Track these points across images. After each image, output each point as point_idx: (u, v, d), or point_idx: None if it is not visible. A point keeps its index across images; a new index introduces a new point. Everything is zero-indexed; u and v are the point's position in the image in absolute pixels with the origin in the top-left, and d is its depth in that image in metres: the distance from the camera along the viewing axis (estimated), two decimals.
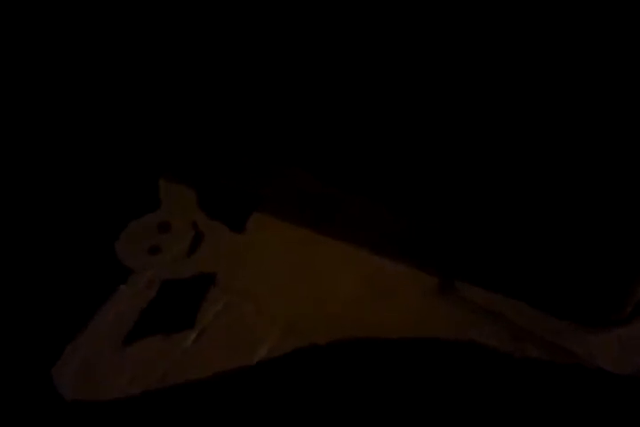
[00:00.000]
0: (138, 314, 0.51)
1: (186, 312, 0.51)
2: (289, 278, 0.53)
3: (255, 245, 0.55)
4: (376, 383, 0.47)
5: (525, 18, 0.50)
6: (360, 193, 0.56)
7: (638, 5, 0.45)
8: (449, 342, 0.48)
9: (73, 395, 0.47)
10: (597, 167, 0.47)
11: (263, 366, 0.48)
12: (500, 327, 0.49)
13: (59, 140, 0.61)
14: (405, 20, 0.51)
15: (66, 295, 0.52)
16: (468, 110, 0.50)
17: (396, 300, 0.50)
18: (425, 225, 0.53)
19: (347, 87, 0.54)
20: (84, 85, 0.59)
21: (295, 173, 0.58)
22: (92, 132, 0.61)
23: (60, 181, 0.60)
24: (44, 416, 0.46)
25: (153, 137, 0.61)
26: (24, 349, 0.49)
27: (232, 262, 0.53)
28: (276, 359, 0.48)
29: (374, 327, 0.49)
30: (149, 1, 0.56)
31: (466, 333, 0.48)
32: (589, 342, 0.47)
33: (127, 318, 0.51)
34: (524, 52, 0.48)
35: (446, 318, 0.49)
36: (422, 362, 0.48)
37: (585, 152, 0.47)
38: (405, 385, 0.47)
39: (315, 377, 0.47)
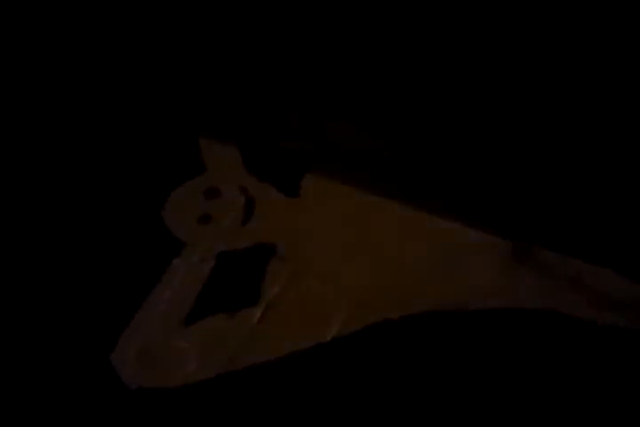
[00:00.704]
0: (196, 291, 0.48)
1: (247, 286, 0.48)
2: (352, 247, 0.49)
3: (312, 211, 0.51)
4: (456, 357, 0.45)
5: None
6: (412, 147, 0.52)
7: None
8: (529, 312, 0.46)
9: (137, 383, 0.44)
10: None
11: (336, 344, 0.45)
12: (583, 295, 0.46)
13: (93, 99, 0.56)
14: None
15: (115, 273, 0.49)
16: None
17: (470, 268, 0.47)
18: (490, 182, 0.50)
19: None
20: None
21: (343, 128, 0.54)
22: (122, 85, 0.56)
23: (92, 144, 0.55)
24: (111, 405, 0.44)
25: (188, 90, 0.56)
26: (78, 334, 0.46)
27: (290, 231, 0.50)
28: (348, 336, 0.46)
29: (448, 299, 0.46)
30: None
31: (546, 301, 0.46)
32: None
33: (185, 296, 0.48)
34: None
35: (524, 286, 0.46)
36: (503, 334, 0.45)
37: None
38: (487, 359, 0.45)
39: (391, 353, 0.45)
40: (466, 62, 0.53)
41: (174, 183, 0.52)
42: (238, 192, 0.51)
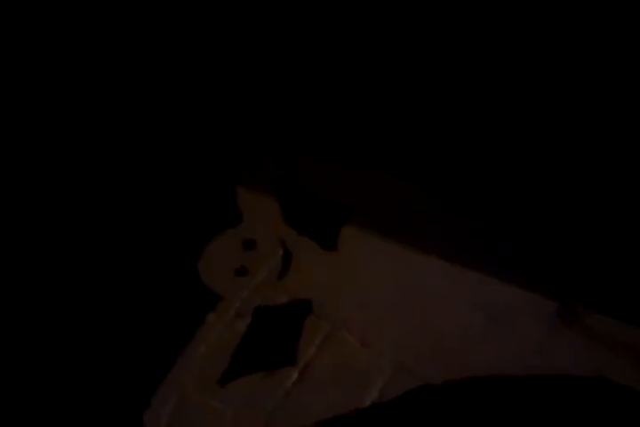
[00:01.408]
0: (231, 348, 0.47)
1: (283, 345, 0.47)
2: (392, 304, 0.48)
3: (350, 266, 0.49)
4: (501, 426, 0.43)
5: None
6: (451, 200, 0.51)
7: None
8: (574, 379, 0.44)
9: None
10: None
11: (376, 409, 0.44)
12: (634, 362, 0.45)
13: (123, 146, 0.55)
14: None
15: (149, 326, 0.48)
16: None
17: (515, 331, 0.45)
18: (537, 240, 0.49)
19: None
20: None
21: (382, 178, 0.53)
22: (161, 130, 0.55)
23: (128, 190, 0.55)
24: None
25: (227, 136, 0.55)
26: (110, 391, 0.45)
27: (327, 286, 0.48)
28: (389, 402, 0.44)
29: (491, 365, 0.45)
30: None
31: (596, 368, 0.44)
32: None
33: (220, 353, 0.47)
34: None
35: (572, 350, 0.44)
36: (548, 402, 0.44)
37: None
38: None
39: (434, 421, 0.44)
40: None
41: (210, 233, 0.52)
42: (276, 244, 0.50)
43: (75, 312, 0.48)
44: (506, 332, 0.45)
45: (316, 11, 0.53)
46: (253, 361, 0.45)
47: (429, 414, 0.43)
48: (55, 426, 0.44)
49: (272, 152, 0.53)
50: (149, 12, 0.53)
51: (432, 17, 0.51)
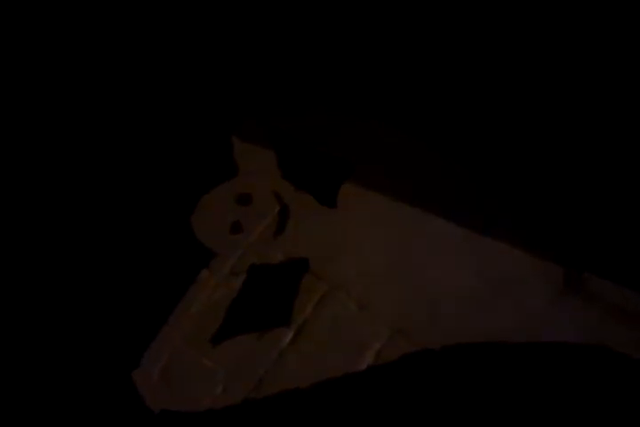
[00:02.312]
0: (225, 307, 0.46)
1: (278, 304, 0.46)
2: (392, 266, 0.46)
3: (350, 225, 0.47)
4: (497, 392, 0.42)
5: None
6: (456, 154, 0.49)
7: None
8: (576, 347, 0.43)
9: (160, 405, 0.43)
10: None
11: (371, 373, 0.43)
12: (636, 332, 0.44)
13: (121, 94, 0.53)
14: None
15: (139, 284, 0.47)
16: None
17: (517, 296, 0.44)
18: (543, 206, 0.47)
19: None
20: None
21: (387, 130, 0.51)
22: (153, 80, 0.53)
23: (119, 141, 0.52)
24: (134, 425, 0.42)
25: (223, 88, 0.53)
26: (100, 348, 0.44)
27: (326, 245, 0.46)
28: (385, 365, 0.43)
29: (494, 329, 0.43)
30: None
31: (597, 336, 0.42)
32: None
33: (213, 312, 0.45)
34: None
35: (575, 318, 0.42)
36: (549, 369, 0.43)
37: None
38: (532, 395, 0.42)
39: (429, 386, 0.43)
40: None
41: (204, 186, 0.50)
42: (272, 200, 0.48)
43: (65, 267, 0.47)
44: (507, 298, 0.43)
45: None
46: (247, 320, 0.44)
47: (426, 379, 0.41)
48: (46, 386, 0.43)
49: (270, 104, 0.51)
50: None
51: None
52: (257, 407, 0.41)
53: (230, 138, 0.50)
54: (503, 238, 0.44)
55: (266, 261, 0.45)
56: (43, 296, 0.44)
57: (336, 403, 0.40)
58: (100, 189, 0.48)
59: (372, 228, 0.46)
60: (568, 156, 0.46)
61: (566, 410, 0.40)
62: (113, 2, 0.51)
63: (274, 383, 0.42)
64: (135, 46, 0.51)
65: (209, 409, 0.41)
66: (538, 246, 0.44)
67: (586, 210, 0.45)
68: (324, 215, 0.46)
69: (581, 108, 0.47)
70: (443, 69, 0.49)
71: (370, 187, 0.47)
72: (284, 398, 0.41)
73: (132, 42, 0.51)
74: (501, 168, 0.47)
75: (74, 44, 0.51)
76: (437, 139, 0.48)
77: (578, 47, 0.46)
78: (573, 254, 0.44)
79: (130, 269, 0.46)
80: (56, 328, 0.44)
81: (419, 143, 0.48)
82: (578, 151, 0.45)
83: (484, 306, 0.43)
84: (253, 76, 0.51)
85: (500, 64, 0.48)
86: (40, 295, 0.45)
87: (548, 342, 0.42)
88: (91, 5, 0.51)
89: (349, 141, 0.49)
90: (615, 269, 0.43)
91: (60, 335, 0.43)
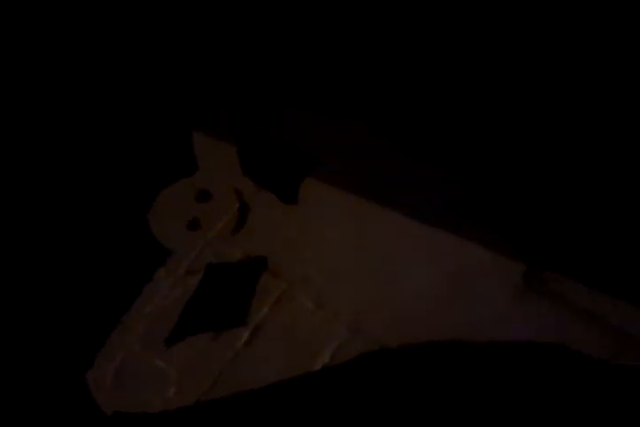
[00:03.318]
0: (180, 307, 0.45)
1: (234, 304, 0.45)
2: (353, 264, 0.45)
3: (310, 222, 0.46)
4: (455, 393, 0.42)
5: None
6: (424, 153, 0.48)
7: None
8: (536, 346, 0.43)
9: (113, 406, 0.42)
10: None
11: (327, 373, 0.42)
12: (598, 331, 0.43)
13: (81, 90, 0.51)
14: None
15: (94, 283, 0.46)
16: None
17: (480, 294, 0.42)
18: (506, 202, 0.46)
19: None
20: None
21: (348, 127, 0.50)
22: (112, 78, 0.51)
23: (78, 135, 0.51)
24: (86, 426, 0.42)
25: (184, 80, 0.52)
26: (53, 350, 0.43)
27: (285, 243, 0.45)
28: (341, 365, 0.43)
29: (453, 328, 0.42)
30: None
31: (557, 335, 0.40)
32: None
33: (168, 311, 0.43)
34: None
35: (534, 316, 0.41)
36: (507, 368, 0.42)
37: None
38: (490, 395, 0.42)
39: (385, 385, 0.42)
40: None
41: (163, 182, 0.49)
42: (232, 197, 0.47)
43: (17, 263, 0.46)
44: (467, 295, 0.42)
45: None
46: (202, 320, 0.42)
47: (382, 379, 0.40)
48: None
49: (233, 98, 0.49)
50: None
51: None
52: (210, 409, 0.40)
53: (191, 132, 0.49)
54: (464, 234, 0.43)
55: (223, 260, 0.45)
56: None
57: (290, 405, 0.40)
58: (56, 184, 0.47)
59: (332, 225, 0.44)
60: (533, 148, 0.45)
61: (523, 410, 0.40)
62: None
63: (228, 385, 0.40)
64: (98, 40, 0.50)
65: (162, 411, 0.40)
66: (498, 242, 0.43)
67: (549, 205, 0.44)
68: (284, 212, 0.45)
69: (551, 105, 0.46)
70: (417, 68, 0.48)
71: (332, 183, 0.46)
72: (237, 399, 0.40)
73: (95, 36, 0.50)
74: (467, 163, 0.46)
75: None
76: (405, 136, 0.47)
77: (557, 54, 0.46)
78: (535, 252, 0.43)
79: (85, 266, 0.45)
80: (10, 325, 0.43)
81: (385, 140, 0.47)
82: (543, 143, 0.45)
83: (444, 304, 0.41)
84: (218, 70, 0.50)
85: (477, 64, 0.47)
86: None
87: (507, 341, 0.41)
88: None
89: (313, 135, 0.48)
90: (577, 269, 0.42)
91: (14, 333, 0.42)
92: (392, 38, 0.47)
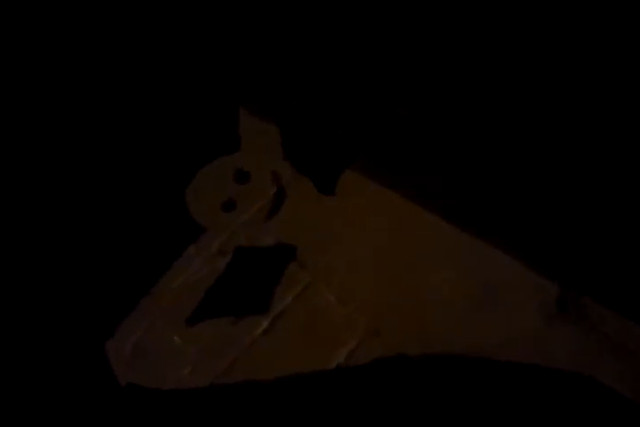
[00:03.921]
0: (206, 286, 0.45)
1: (259, 290, 0.45)
2: (380, 262, 0.44)
3: (345, 216, 0.45)
4: (470, 411, 0.41)
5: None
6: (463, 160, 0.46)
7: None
8: (562, 374, 0.40)
9: (128, 378, 0.42)
10: None
11: (340, 373, 0.42)
12: (629, 367, 0.41)
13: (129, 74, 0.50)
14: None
15: (128, 254, 0.46)
16: None
17: (508, 310, 0.39)
18: (545, 225, 0.44)
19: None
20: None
21: (400, 116, 0.48)
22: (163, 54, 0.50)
23: (122, 111, 0.51)
24: (98, 397, 0.42)
25: (232, 58, 0.50)
26: (81, 319, 0.43)
27: (317, 234, 0.43)
28: (355, 368, 0.42)
29: (476, 342, 0.39)
30: None
31: (585, 365, 0.38)
32: None
33: (193, 290, 0.44)
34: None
35: (563, 343, 0.38)
36: (528, 392, 0.40)
37: None
38: (507, 416, 0.41)
39: (397, 395, 0.41)
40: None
41: (205, 158, 0.48)
42: (270, 180, 0.46)
43: (50, 232, 0.46)
44: (496, 311, 0.41)
45: None
46: (225, 304, 0.42)
47: (395, 387, 0.39)
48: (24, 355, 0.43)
49: (283, 81, 0.48)
50: None
51: None
52: (220, 394, 0.40)
53: (238, 110, 0.48)
54: (499, 245, 0.42)
55: (254, 244, 0.44)
56: (26, 263, 0.44)
57: (298, 402, 0.40)
58: (99, 157, 0.47)
59: (365, 222, 0.43)
60: (576, 171, 0.43)
61: None
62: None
63: (242, 371, 0.41)
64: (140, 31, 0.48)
65: (174, 389, 0.41)
66: (536, 259, 0.42)
67: (595, 229, 0.42)
68: (319, 202, 0.44)
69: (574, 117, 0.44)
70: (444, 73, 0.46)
71: (371, 177, 0.45)
72: (248, 388, 0.40)
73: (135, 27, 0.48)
74: (507, 177, 0.44)
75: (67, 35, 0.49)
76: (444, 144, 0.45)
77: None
78: (573, 274, 0.42)
79: (119, 238, 0.45)
80: (36, 294, 0.44)
81: (435, 135, 0.46)
82: (585, 166, 0.43)
83: (469, 316, 0.40)
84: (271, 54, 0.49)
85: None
86: (24, 262, 0.45)
87: (531, 363, 0.40)
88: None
89: (361, 127, 0.47)
90: (615, 296, 0.41)
91: (41, 300, 0.43)
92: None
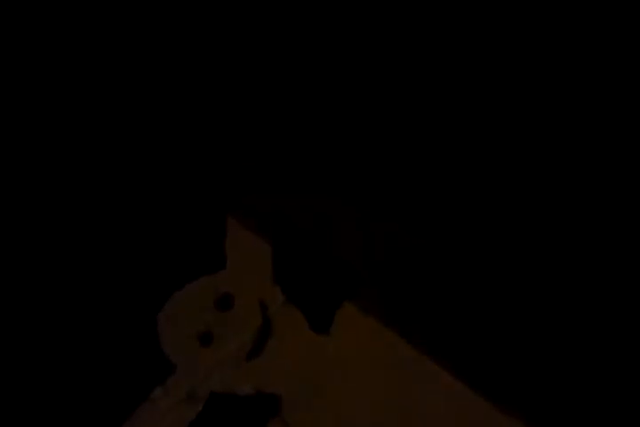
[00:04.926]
0: None
1: None
2: (376, 422, 0.39)
3: (338, 361, 0.39)
4: None
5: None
6: None
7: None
8: None
9: None
10: None
11: None
12: None
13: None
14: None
15: (84, 399, 0.40)
16: None
17: None
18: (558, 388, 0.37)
19: None
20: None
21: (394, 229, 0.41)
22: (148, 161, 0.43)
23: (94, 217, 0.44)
24: None
25: (220, 166, 0.43)
26: None
27: (304, 383, 0.37)
28: None
29: None
30: None
31: None
32: None
33: None
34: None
35: None
36: None
37: None
38: None
39: None
40: None
41: (182, 273, 0.42)
42: (255, 310, 0.40)
43: None
44: None
45: None
46: None
47: None
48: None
49: (266, 187, 0.41)
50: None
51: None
52: None
53: (226, 220, 0.42)
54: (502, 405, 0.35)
55: (230, 391, 0.38)
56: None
57: None
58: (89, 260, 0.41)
59: (361, 369, 0.37)
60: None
61: None
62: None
63: None
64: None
65: None
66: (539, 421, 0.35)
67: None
68: (310, 342, 0.38)
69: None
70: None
71: (372, 314, 0.39)
72: None
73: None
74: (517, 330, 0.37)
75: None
76: None
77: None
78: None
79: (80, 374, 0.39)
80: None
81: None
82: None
83: None
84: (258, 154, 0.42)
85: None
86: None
87: None
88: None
89: (359, 248, 0.40)
90: None
91: None
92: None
